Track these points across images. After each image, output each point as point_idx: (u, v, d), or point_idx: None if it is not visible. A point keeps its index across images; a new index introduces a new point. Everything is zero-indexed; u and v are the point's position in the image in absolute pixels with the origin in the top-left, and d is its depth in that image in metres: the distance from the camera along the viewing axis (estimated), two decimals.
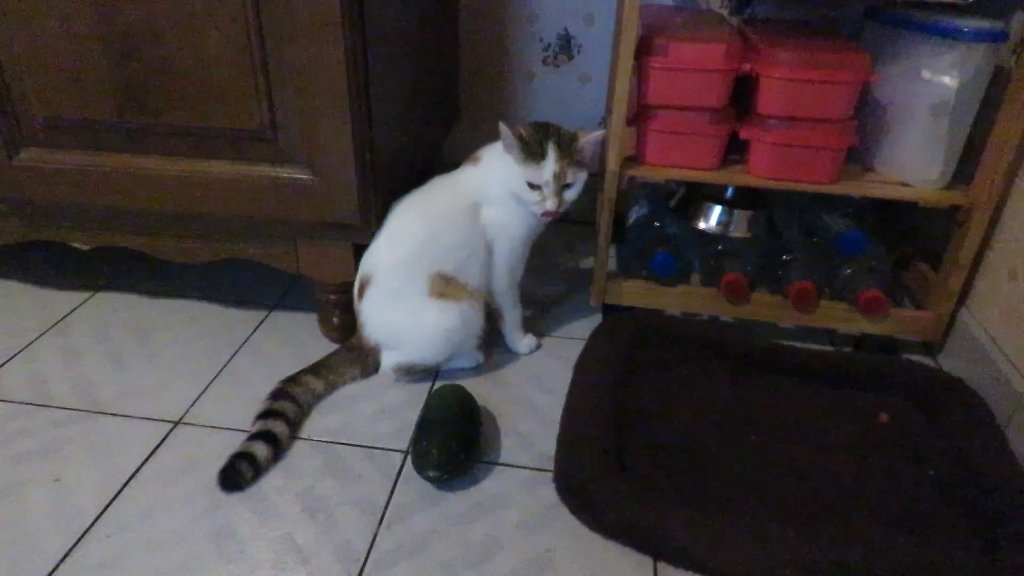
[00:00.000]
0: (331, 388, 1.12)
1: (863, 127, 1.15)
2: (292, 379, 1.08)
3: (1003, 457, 0.98)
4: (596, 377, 1.11)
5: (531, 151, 1.03)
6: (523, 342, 1.23)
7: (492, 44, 1.61)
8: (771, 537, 0.85)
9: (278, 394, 1.05)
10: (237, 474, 0.94)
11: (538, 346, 1.25)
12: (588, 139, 1.04)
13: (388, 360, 1.14)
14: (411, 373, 1.15)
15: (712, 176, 1.19)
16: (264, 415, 1.01)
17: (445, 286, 1.10)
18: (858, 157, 1.20)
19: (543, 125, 1.06)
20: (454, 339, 1.12)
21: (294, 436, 1.03)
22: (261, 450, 0.97)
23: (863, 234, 1.25)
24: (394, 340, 1.13)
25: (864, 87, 1.11)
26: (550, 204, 1.04)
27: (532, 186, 1.04)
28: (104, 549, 0.85)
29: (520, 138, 1.04)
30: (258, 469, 0.96)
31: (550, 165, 1.02)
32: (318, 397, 1.10)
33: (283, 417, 1.02)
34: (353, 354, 1.15)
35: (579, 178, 1.05)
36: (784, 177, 1.15)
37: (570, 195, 1.06)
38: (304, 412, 1.07)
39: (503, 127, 1.04)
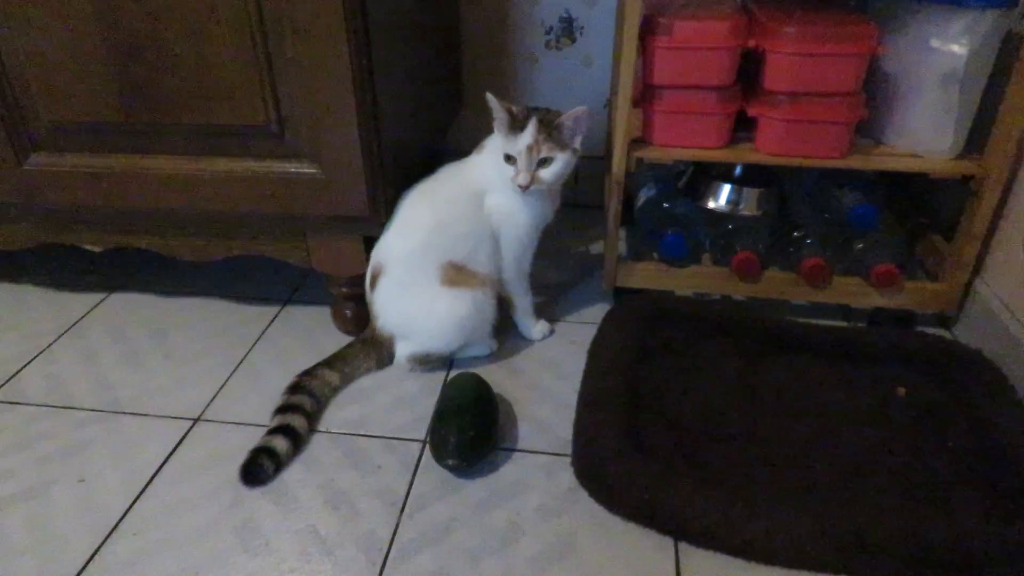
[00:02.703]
0: (347, 380, 1.13)
1: (872, 99, 1.14)
2: (308, 373, 1.09)
3: (1021, 426, 0.98)
4: (610, 360, 1.11)
5: (514, 123, 1.04)
6: (536, 328, 1.23)
7: (494, 29, 1.60)
8: (791, 513, 0.85)
9: (295, 388, 1.06)
10: (259, 469, 0.95)
11: (551, 332, 1.25)
12: (567, 115, 1.02)
13: (402, 350, 1.15)
14: (425, 363, 1.15)
15: (720, 155, 1.18)
16: (282, 409, 1.02)
17: (456, 274, 1.10)
18: (868, 130, 1.19)
19: (538, 108, 1.06)
20: (467, 326, 1.12)
21: (312, 429, 1.04)
22: (281, 444, 0.97)
23: (875, 208, 1.24)
24: (407, 329, 1.13)
25: (872, 59, 1.09)
26: (521, 178, 1.03)
27: (508, 159, 1.05)
28: (131, 547, 0.86)
29: (508, 111, 1.05)
30: (279, 463, 0.97)
31: (526, 137, 1.03)
32: (334, 389, 1.11)
33: (301, 411, 1.03)
34: (367, 346, 1.15)
35: (558, 157, 1.04)
36: (793, 153, 1.14)
37: (547, 174, 1.05)
38: (321, 405, 1.08)
39: (491, 98, 1.05)
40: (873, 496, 0.91)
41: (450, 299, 1.09)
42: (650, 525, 0.88)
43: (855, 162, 1.15)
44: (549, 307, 1.32)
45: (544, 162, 1.04)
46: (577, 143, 1.06)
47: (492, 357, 1.19)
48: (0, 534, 0.88)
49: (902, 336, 1.18)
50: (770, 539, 0.84)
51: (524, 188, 1.04)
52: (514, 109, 1.05)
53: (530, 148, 1.02)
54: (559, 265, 1.47)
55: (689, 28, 1.09)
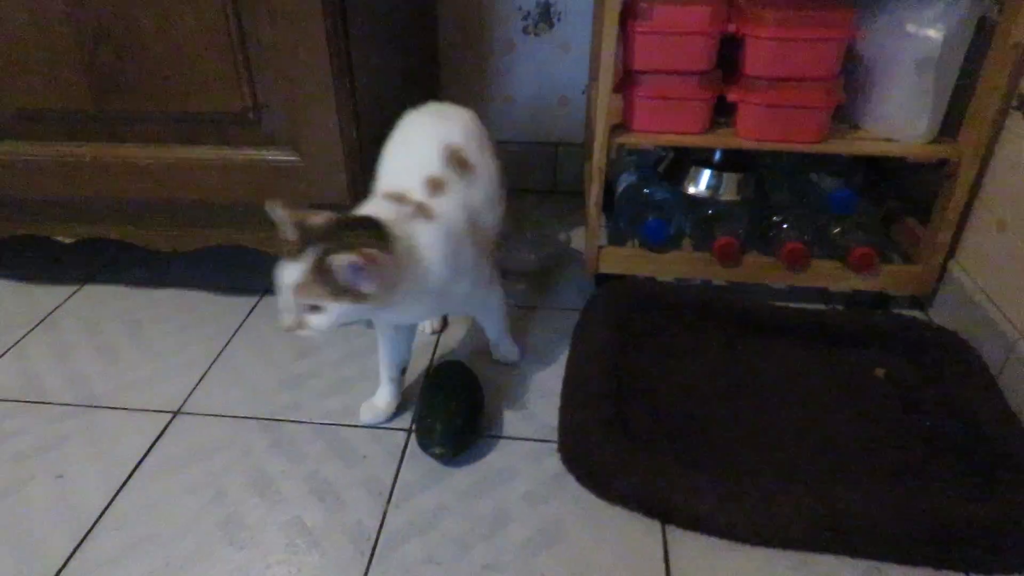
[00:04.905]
0: None
1: (849, 84, 1.15)
2: None
3: (996, 405, 1.00)
4: (594, 346, 1.11)
5: (292, 245, 0.78)
6: (502, 346, 1.11)
7: (470, 15, 1.58)
8: (774, 494, 0.86)
9: None
10: None
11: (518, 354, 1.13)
12: (340, 258, 0.74)
13: None
14: None
15: (701, 140, 1.18)
16: None
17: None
18: (845, 115, 1.20)
19: (350, 224, 0.80)
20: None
21: None
22: None
23: (852, 192, 1.25)
24: None
25: (849, 44, 1.10)
26: (283, 319, 0.80)
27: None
28: (112, 543, 0.85)
29: (299, 225, 0.78)
30: None
31: (293, 272, 0.78)
32: None
33: None
34: None
35: (328, 307, 0.78)
36: (772, 138, 1.15)
37: (318, 322, 0.79)
38: None
39: (271, 209, 0.79)
40: (853, 476, 0.92)
41: None
42: (637, 509, 0.89)
43: (833, 147, 1.16)
44: (532, 294, 1.32)
45: (316, 308, 0.79)
46: (370, 288, 0.77)
47: (476, 345, 1.18)
48: None
49: (879, 318, 1.20)
50: (754, 521, 0.85)
51: (287, 331, 0.81)
52: (309, 222, 0.79)
53: (292, 289, 0.78)
54: (541, 251, 1.46)
55: (669, 13, 1.09)
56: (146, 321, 1.25)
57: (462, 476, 0.94)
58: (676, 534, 0.86)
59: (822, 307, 1.27)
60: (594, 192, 1.22)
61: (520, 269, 1.37)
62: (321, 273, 0.76)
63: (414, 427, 1.00)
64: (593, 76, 1.29)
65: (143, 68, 1.02)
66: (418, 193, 0.88)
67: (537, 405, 1.06)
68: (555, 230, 1.56)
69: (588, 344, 1.12)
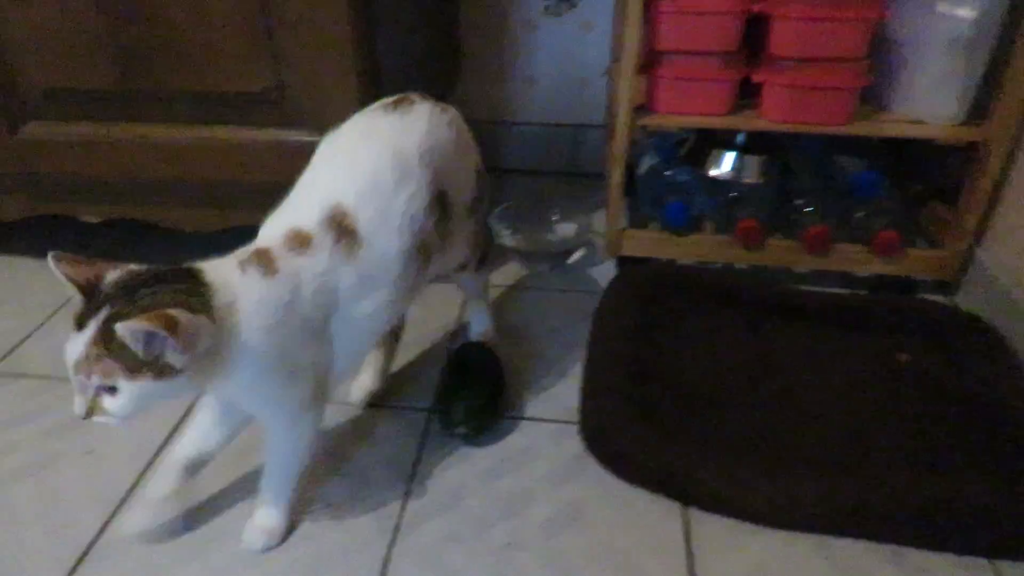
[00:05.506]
0: None
1: (877, 65, 1.13)
2: None
3: (1022, 391, 0.99)
4: (615, 329, 1.11)
5: (79, 311, 0.63)
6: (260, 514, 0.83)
7: None
8: (796, 478, 0.86)
9: None
10: None
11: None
12: (124, 328, 0.58)
13: None
14: None
15: (725, 122, 1.17)
16: None
17: None
18: (872, 96, 1.19)
19: (165, 274, 0.65)
20: None
21: None
22: None
23: (878, 175, 1.24)
24: None
25: (878, 24, 1.08)
26: (75, 404, 0.63)
27: None
28: None
29: (89, 284, 0.63)
30: None
31: (77, 344, 0.61)
32: None
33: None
34: None
35: (122, 386, 0.61)
36: (798, 120, 1.14)
37: (114, 406, 0.63)
38: None
39: (55, 264, 0.63)
40: (876, 461, 0.92)
41: None
42: (658, 491, 0.89)
43: (859, 129, 1.14)
44: (552, 276, 1.32)
45: (110, 389, 0.62)
46: (179, 360, 0.61)
47: (498, 328, 1.17)
48: (9, 507, 0.88)
49: (903, 303, 1.19)
50: (775, 504, 0.85)
51: (82, 419, 0.64)
52: (103, 279, 0.64)
53: (79, 364, 0.61)
54: (561, 233, 1.46)
55: None
56: None
57: (483, 456, 0.95)
58: (697, 515, 0.87)
59: (845, 291, 1.26)
60: (616, 174, 1.22)
61: (542, 251, 1.37)
62: (109, 344, 0.60)
63: (436, 407, 1.01)
64: (616, 56, 1.28)
65: (167, 48, 1.02)
66: (273, 242, 0.71)
67: (558, 386, 1.06)
68: (576, 212, 1.55)
69: (609, 326, 1.12)
